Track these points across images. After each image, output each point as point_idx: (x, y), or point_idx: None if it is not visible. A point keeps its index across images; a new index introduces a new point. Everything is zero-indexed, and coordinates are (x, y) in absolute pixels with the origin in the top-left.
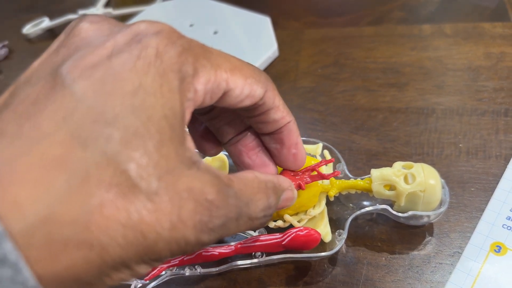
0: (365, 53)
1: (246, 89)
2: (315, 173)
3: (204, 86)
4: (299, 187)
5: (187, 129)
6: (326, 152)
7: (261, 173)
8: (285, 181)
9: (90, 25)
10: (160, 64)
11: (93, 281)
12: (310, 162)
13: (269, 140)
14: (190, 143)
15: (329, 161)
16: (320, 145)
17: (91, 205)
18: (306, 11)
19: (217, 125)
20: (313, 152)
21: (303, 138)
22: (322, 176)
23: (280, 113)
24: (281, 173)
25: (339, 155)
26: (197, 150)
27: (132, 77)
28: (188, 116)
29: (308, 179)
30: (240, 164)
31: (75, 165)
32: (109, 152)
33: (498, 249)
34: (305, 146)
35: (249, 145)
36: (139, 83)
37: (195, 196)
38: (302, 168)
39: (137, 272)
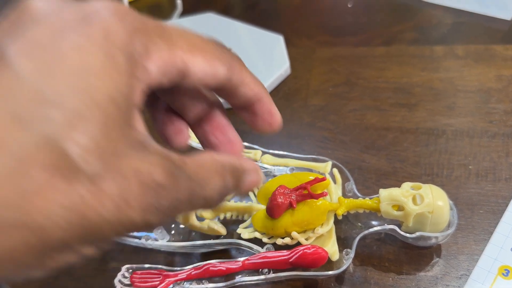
0: (376, 72)
1: (207, 69)
2: (306, 192)
3: (157, 65)
4: (291, 205)
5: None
6: (335, 171)
7: (221, 154)
8: (248, 163)
9: (39, 0)
10: (107, 44)
11: (33, 262)
12: (308, 177)
13: (241, 112)
14: (140, 125)
15: (321, 180)
16: (330, 163)
17: (29, 187)
18: (318, 29)
19: (179, 102)
20: (322, 170)
21: (312, 156)
22: (312, 196)
23: (250, 89)
24: (276, 190)
25: (348, 174)
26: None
27: (77, 57)
28: (138, 97)
29: (299, 198)
30: (207, 145)
31: (13, 146)
32: (50, 133)
33: (506, 272)
34: (315, 164)
35: (214, 124)
36: (84, 63)
37: (142, 178)
38: (295, 186)
39: (82, 254)
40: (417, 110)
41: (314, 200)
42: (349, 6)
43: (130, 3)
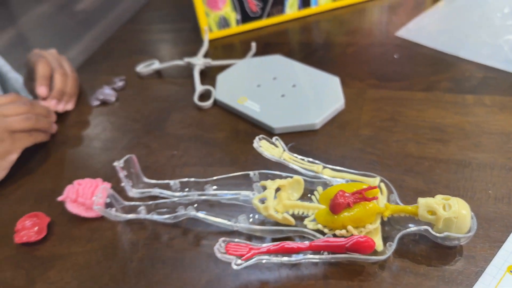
0: (416, 113)
1: None
2: (361, 195)
3: None
4: (348, 205)
5: None
6: (382, 185)
7: None
8: None
9: None
10: None
11: None
12: (361, 186)
13: None
14: None
15: (373, 188)
16: (378, 178)
17: None
18: (369, 75)
19: None
20: (371, 183)
21: (364, 172)
22: (366, 199)
23: None
24: (337, 192)
25: (393, 188)
26: None
27: None
28: None
29: (355, 200)
30: None
31: None
32: None
33: None
34: (365, 178)
35: None
36: None
37: None
38: (353, 191)
39: None
40: (449, 145)
41: (367, 202)
42: (395, 57)
43: (210, 41)
